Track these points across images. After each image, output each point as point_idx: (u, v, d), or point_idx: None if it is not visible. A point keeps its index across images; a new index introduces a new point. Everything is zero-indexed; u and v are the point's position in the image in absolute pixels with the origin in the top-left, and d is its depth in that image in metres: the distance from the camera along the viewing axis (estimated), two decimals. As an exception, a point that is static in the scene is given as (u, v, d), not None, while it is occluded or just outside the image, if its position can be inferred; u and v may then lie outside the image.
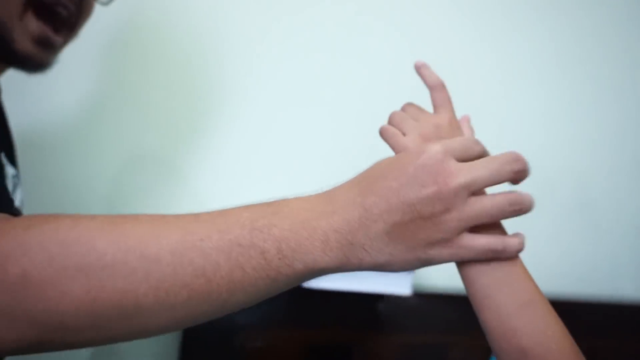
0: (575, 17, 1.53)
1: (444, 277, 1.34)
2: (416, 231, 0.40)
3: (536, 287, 0.47)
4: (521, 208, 0.44)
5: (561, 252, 1.56)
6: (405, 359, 1.21)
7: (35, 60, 0.63)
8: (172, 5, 1.26)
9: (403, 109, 0.53)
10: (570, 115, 1.56)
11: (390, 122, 0.51)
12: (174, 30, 1.26)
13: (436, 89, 0.54)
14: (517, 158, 0.44)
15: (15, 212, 0.51)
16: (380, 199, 0.40)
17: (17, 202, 0.71)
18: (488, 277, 0.45)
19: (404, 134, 0.49)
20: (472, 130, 0.59)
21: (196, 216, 0.42)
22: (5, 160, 0.67)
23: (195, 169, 1.28)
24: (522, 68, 1.50)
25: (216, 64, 1.28)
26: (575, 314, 1.48)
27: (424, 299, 1.25)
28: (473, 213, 0.41)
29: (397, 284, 1.14)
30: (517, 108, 1.52)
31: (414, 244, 0.41)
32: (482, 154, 0.46)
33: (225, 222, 0.40)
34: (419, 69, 0.56)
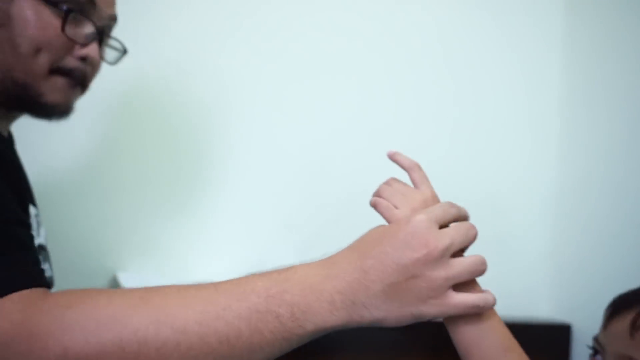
0: (486, 67, 1.74)
1: None
2: (409, 289, 0.46)
3: (510, 333, 0.57)
4: (486, 267, 0.52)
5: (480, 278, 1.69)
6: None
7: (61, 109, 0.72)
8: (171, 68, 1.44)
9: (388, 183, 0.61)
10: (490, 148, 1.74)
11: (380, 195, 0.59)
12: (174, 86, 1.45)
13: (413, 169, 0.61)
14: (470, 228, 0.53)
15: (36, 257, 0.57)
16: (377, 262, 0.46)
17: (42, 239, 0.78)
18: (474, 328, 0.53)
19: (395, 207, 0.57)
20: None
21: (215, 287, 0.47)
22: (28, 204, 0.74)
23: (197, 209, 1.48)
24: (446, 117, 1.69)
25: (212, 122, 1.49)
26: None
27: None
28: (457, 272, 0.48)
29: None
30: (447, 149, 1.68)
31: (408, 301, 0.47)
32: (457, 214, 0.54)
33: (243, 292, 0.46)
34: (393, 157, 0.63)
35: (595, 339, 0.77)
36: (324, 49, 1.61)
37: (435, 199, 0.60)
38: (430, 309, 0.48)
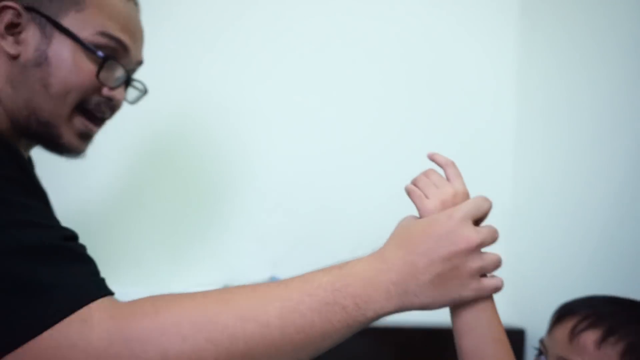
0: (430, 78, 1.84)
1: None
2: (452, 278, 0.55)
3: (502, 327, 0.65)
4: (501, 262, 0.62)
5: None
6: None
7: (77, 150, 0.75)
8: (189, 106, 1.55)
9: (426, 174, 0.68)
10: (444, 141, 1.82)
11: (416, 184, 0.67)
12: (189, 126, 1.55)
13: (448, 166, 0.68)
14: (497, 231, 0.63)
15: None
16: (425, 256, 0.55)
17: None
18: (473, 316, 0.61)
19: (427, 197, 0.64)
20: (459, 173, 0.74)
21: (286, 284, 0.53)
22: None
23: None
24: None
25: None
26: (452, 340, 1.63)
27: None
28: (487, 263, 0.58)
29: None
30: (407, 161, 1.75)
31: (451, 287, 0.56)
32: (488, 208, 0.63)
33: (312, 287, 0.53)
34: (432, 157, 0.71)
35: (541, 342, 0.82)
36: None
37: (465, 194, 0.67)
38: (469, 293, 0.57)
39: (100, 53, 0.67)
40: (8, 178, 0.55)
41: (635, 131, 1.47)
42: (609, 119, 1.55)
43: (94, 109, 0.71)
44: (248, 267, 1.54)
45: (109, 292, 0.52)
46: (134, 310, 0.48)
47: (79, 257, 0.53)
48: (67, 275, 0.49)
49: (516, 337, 1.67)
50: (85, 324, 0.46)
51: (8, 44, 0.63)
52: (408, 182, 1.79)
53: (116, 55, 0.69)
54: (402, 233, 0.59)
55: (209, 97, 1.59)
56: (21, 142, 0.72)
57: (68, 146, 0.73)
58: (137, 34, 0.74)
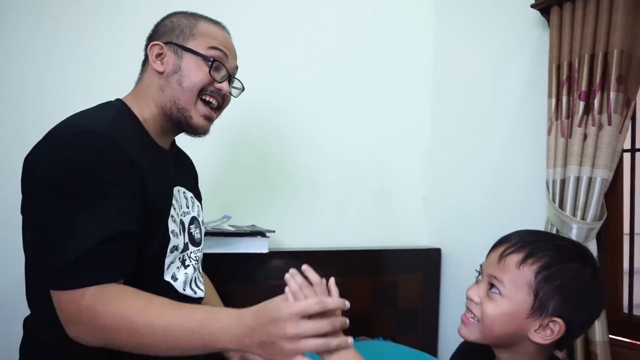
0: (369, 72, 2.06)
1: (289, 241, 1.80)
2: (272, 348, 0.75)
3: None
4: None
5: (373, 218, 2.05)
6: (267, 296, 1.64)
7: (203, 129, 1.04)
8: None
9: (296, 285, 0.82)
10: (374, 128, 2.08)
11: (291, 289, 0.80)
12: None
13: (315, 285, 0.83)
14: (320, 327, 0.77)
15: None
16: (258, 330, 0.76)
17: (194, 213, 1.10)
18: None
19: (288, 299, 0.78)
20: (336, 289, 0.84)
21: (182, 312, 0.80)
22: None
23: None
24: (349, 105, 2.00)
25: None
26: (388, 258, 1.99)
27: (275, 255, 1.67)
28: (301, 347, 0.74)
29: (258, 247, 1.56)
30: (346, 125, 2.01)
31: (272, 352, 0.75)
32: (319, 309, 0.76)
33: (192, 319, 0.79)
34: (304, 272, 0.84)
35: (480, 265, 0.91)
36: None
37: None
38: (286, 358, 0.77)
39: (210, 58, 1.01)
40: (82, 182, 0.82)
41: (518, 97, 1.82)
42: (503, 85, 1.88)
43: (210, 97, 1.03)
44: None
45: (101, 282, 0.81)
46: (96, 301, 0.80)
47: (111, 257, 0.83)
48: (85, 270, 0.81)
49: (435, 254, 2.07)
50: (62, 305, 0.81)
51: (157, 66, 1.00)
52: (344, 136, 2.04)
53: (220, 61, 1.02)
54: (259, 309, 0.78)
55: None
56: (163, 135, 1.03)
57: (196, 125, 1.02)
58: (231, 48, 1.07)
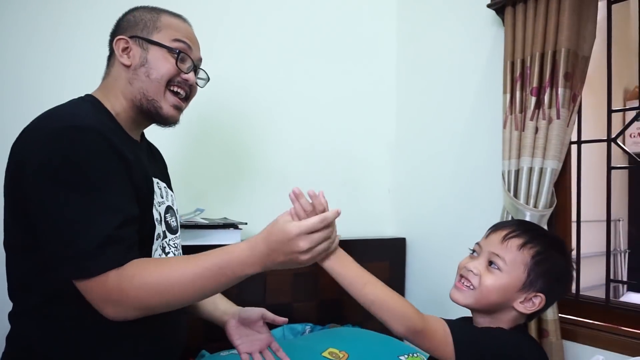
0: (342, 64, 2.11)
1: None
2: (289, 263, 0.86)
3: (365, 271, 0.94)
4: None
5: (341, 209, 2.12)
6: (240, 285, 1.69)
7: (173, 118, 1.07)
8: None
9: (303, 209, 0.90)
10: (341, 122, 2.13)
11: (297, 212, 0.89)
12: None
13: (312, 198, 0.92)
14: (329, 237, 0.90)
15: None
16: (274, 252, 0.85)
17: (169, 202, 1.13)
18: (342, 274, 0.93)
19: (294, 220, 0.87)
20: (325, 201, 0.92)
21: (204, 257, 0.87)
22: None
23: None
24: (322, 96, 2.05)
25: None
26: (355, 247, 2.07)
27: None
28: (315, 254, 0.87)
29: (231, 238, 1.61)
30: (314, 118, 2.06)
31: (290, 265, 0.87)
32: (322, 226, 0.86)
33: (211, 263, 0.87)
34: (310, 196, 0.92)
35: (477, 244, 1.04)
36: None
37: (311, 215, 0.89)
38: (303, 265, 0.89)
39: (176, 50, 1.04)
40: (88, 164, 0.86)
41: (476, 92, 1.92)
42: (462, 81, 1.98)
43: (178, 88, 1.06)
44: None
45: (121, 264, 0.85)
46: (121, 276, 0.84)
47: (123, 237, 0.86)
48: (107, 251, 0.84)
49: (400, 244, 2.15)
50: (97, 287, 0.84)
51: (124, 59, 1.03)
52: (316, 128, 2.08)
53: (185, 53, 1.06)
54: (267, 234, 0.87)
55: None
56: (134, 127, 1.06)
57: (167, 115, 1.05)
58: (194, 40, 1.10)
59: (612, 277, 3.19)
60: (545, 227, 1.59)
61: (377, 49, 2.25)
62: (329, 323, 1.86)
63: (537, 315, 1.04)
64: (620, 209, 3.61)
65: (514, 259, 0.96)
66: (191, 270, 0.86)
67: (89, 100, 1.02)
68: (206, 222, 1.58)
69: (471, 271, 0.98)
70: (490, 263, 0.98)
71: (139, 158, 1.01)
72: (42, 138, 0.86)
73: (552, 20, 1.55)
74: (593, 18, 1.57)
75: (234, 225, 1.61)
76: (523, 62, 1.64)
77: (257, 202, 1.90)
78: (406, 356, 1.57)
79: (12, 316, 0.97)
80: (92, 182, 0.85)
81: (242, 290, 1.67)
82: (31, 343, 0.92)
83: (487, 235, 1.03)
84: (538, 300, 0.96)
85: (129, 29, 1.05)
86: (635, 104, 3.05)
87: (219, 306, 1.25)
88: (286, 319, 1.17)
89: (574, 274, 1.08)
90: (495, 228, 1.04)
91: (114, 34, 1.07)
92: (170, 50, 1.03)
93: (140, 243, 0.92)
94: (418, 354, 1.58)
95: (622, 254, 3.74)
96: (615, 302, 1.62)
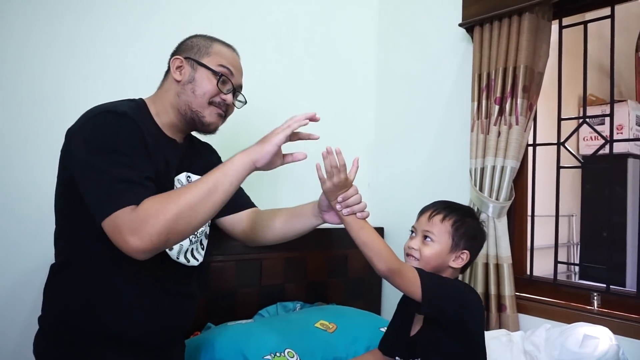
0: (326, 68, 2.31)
1: None
2: (264, 144, 1.09)
3: (362, 221, 1.18)
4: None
5: None
6: (238, 267, 1.89)
7: (214, 124, 1.25)
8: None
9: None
10: (324, 125, 2.26)
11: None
12: None
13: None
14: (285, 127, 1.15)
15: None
16: (256, 144, 1.09)
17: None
18: (348, 220, 1.17)
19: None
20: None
21: (210, 174, 1.04)
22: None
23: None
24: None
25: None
26: (338, 235, 2.26)
27: None
28: (280, 135, 1.12)
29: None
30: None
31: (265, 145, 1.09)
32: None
33: (219, 175, 1.04)
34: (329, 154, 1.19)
35: (413, 226, 1.29)
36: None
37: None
38: (275, 141, 1.11)
39: (219, 73, 1.22)
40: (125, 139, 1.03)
41: (447, 100, 2.17)
42: (435, 89, 2.23)
43: (217, 107, 1.24)
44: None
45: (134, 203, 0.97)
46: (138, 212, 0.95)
47: (141, 183, 0.99)
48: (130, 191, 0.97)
49: (379, 232, 2.29)
50: (116, 221, 0.94)
51: (176, 75, 1.22)
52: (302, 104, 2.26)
53: (227, 77, 1.24)
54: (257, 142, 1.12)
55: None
56: (173, 130, 1.24)
57: (209, 122, 1.24)
58: (237, 68, 1.28)
59: (565, 269, 3.52)
60: (505, 217, 1.86)
61: (359, 60, 2.47)
62: (316, 302, 2.08)
63: (467, 267, 1.31)
64: (575, 205, 3.96)
65: (440, 230, 1.22)
66: (201, 186, 1.01)
67: (135, 101, 1.21)
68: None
69: (412, 248, 1.24)
70: (425, 237, 1.24)
71: (162, 149, 1.18)
72: (86, 119, 1.06)
73: (513, 40, 1.82)
74: (547, 40, 1.84)
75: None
76: (489, 75, 1.90)
77: (253, 198, 2.09)
78: (385, 327, 1.80)
79: (53, 267, 1.15)
80: (120, 149, 1.01)
81: (241, 273, 1.89)
82: (64, 291, 1.11)
83: (418, 218, 1.29)
84: (465, 256, 1.23)
85: (185, 51, 1.24)
86: (593, 110, 3.36)
87: (304, 208, 1.39)
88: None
89: (486, 230, 1.36)
90: (422, 211, 1.30)
91: (173, 54, 1.26)
92: (214, 72, 1.21)
93: None
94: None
95: (575, 247, 4.10)
96: (560, 281, 1.90)
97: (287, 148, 1.19)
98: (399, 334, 1.33)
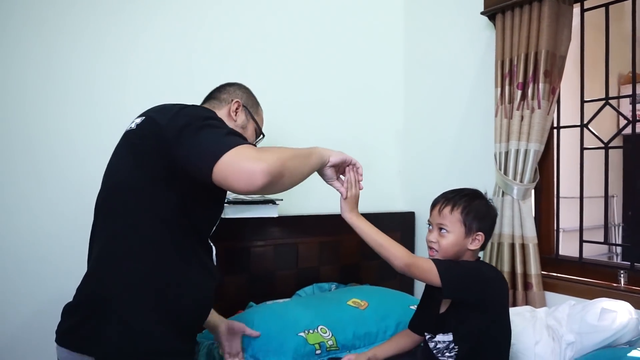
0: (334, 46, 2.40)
1: (293, 208, 2.18)
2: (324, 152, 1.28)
3: (377, 229, 1.31)
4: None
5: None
6: (276, 251, 2.04)
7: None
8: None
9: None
10: (355, 113, 2.43)
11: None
12: None
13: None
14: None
15: None
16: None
17: None
18: (364, 227, 1.32)
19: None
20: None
21: (306, 148, 1.20)
22: None
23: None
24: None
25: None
26: (372, 220, 2.39)
27: (282, 219, 2.05)
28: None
29: (269, 212, 1.94)
30: (330, 110, 2.34)
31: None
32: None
33: (305, 152, 1.17)
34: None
35: (428, 221, 1.40)
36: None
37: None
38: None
39: (262, 134, 1.49)
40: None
41: (472, 86, 2.23)
42: (460, 76, 2.29)
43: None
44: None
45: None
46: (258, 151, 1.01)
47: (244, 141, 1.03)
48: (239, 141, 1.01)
49: (410, 216, 2.48)
50: (239, 152, 0.98)
51: (233, 115, 1.38)
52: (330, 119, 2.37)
53: (261, 137, 1.50)
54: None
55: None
56: None
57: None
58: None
59: (608, 249, 3.50)
60: (532, 199, 1.92)
61: (386, 50, 2.56)
62: (350, 283, 2.21)
63: (485, 246, 1.38)
64: (617, 186, 3.88)
65: (451, 220, 1.32)
66: (300, 149, 1.16)
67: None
68: (249, 198, 1.92)
69: (431, 241, 1.35)
70: (440, 229, 1.33)
71: None
72: (176, 108, 1.11)
73: (534, 26, 1.86)
74: (568, 24, 1.87)
75: (272, 202, 1.95)
76: (511, 60, 1.95)
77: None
78: (415, 306, 1.91)
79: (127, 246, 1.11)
80: (219, 125, 1.09)
81: (278, 257, 2.04)
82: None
83: (430, 212, 1.39)
84: (480, 237, 1.32)
85: (245, 99, 1.44)
86: (627, 89, 3.30)
87: (211, 317, 1.45)
88: (258, 333, 1.48)
89: (494, 210, 1.41)
90: (432, 205, 1.39)
91: (234, 92, 1.43)
92: (260, 132, 1.48)
93: (212, 222, 1.21)
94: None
95: (616, 228, 4.02)
96: (586, 259, 1.94)
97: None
98: (428, 312, 1.45)
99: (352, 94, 2.43)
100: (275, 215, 1.95)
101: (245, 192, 0.99)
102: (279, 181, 1.01)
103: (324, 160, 1.25)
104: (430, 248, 1.36)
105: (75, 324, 1.04)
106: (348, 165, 1.34)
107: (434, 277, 1.23)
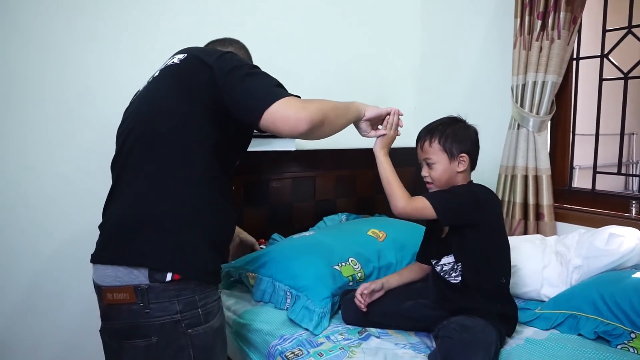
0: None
1: (311, 142, 2.22)
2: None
3: (394, 176, 1.36)
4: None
5: None
6: (294, 184, 2.12)
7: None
8: None
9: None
10: (373, 50, 2.42)
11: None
12: None
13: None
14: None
15: None
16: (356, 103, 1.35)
17: None
18: (385, 173, 1.36)
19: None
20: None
21: (340, 103, 1.25)
22: None
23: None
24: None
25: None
26: (391, 156, 2.34)
27: (300, 153, 2.11)
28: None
29: (288, 146, 1.99)
30: (349, 47, 2.33)
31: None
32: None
33: (346, 105, 1.28)
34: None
35: (417, 159, 1.48)
36: None
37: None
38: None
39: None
40: None
41: (491, 17, 2.17)
42: (478, 7, 2.23)
43: None
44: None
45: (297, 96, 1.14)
46: (302, 101, 1.11)
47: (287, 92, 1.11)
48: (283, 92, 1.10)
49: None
50: (287, 101, 1.08)
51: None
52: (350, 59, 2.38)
53: None
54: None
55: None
56: None
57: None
58: None
59: (624, 187, 3.52)
60: (547, 131, 1.93)
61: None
62: (361, 214, 2.29)
63: (474, 165, 1.46)
64: (637, 123, 3.83)
65: (433, 152, 1.40)
66: (339, 102, 1.23)
67: None
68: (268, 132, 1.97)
69: (424, 176, 1.44)
70: (428, 164, 1.42)
71: None
72: (220, 52, 1.19)
73: (558, -49, 1.80)
74: (594, -52, 1.80)
75: (289, 135, 2.00)
76: (532, -11, 1.90)
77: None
78: (428, 235, 1.98)
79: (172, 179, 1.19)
80: (268, 75, 1.16)
81: (296, 190, 2.11)
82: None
83: (416, 150, 1.47)
84: (465, 158, 1.39)
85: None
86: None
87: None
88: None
89: (473, 128, 1.46)
90: (415, 144, 1.46)
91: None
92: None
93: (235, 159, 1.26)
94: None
95: (635, 165, 4.01)
96: (599, 190, 1.97)
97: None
98: (431, 240, 1.52)
99: (370, 29, 2.42)
100: (293, 148, 2.00)
101: (289, 136, 1.12)
102: (320, 129, 1.13)
103: (360, 114, 1.34)
104: (426, 183, 1.45)
105: (123, 241, 1.08)
106: (387, 115, 1.41)
107: (430, 212, 1.31)
